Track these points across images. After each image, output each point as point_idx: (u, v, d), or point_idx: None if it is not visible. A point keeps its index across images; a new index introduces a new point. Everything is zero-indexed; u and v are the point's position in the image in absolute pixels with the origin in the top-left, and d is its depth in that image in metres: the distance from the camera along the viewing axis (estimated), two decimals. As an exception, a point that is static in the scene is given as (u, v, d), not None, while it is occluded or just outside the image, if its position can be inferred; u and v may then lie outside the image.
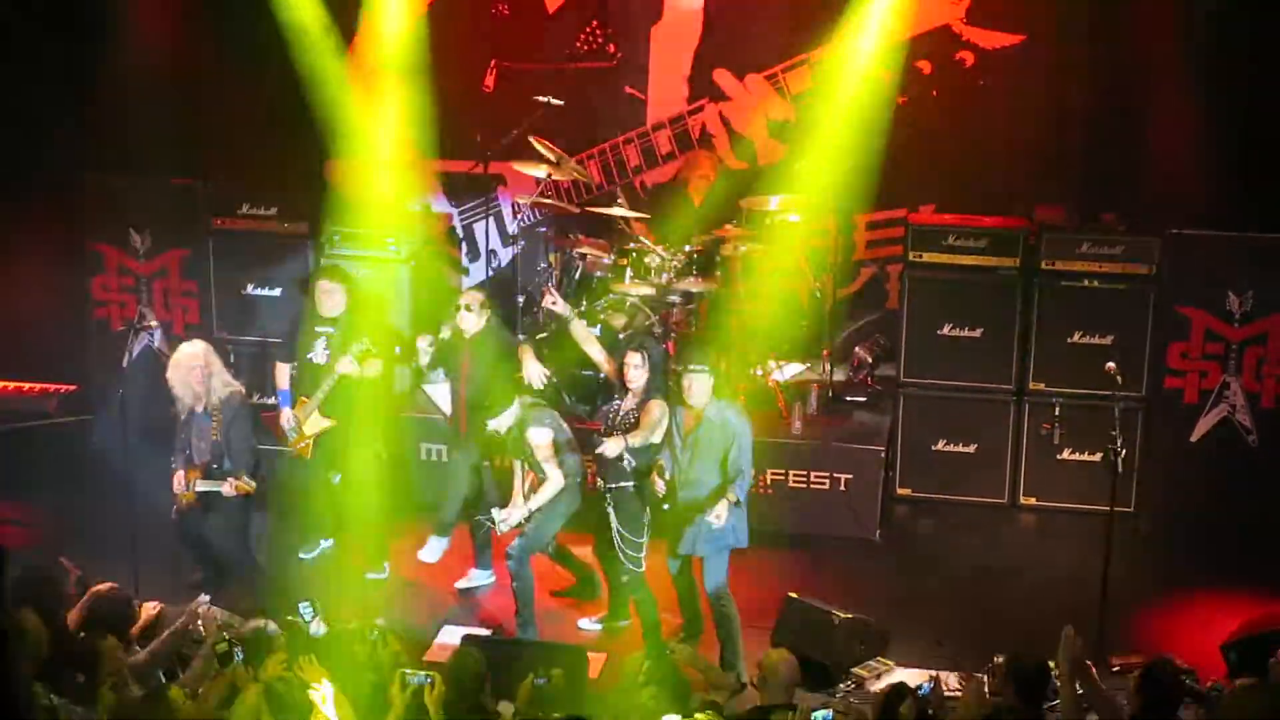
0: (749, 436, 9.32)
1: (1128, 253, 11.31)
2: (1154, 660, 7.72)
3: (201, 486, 9.85)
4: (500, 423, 9.69)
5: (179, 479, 9.93)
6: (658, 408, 9.41)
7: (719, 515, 9.05)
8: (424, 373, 10.71)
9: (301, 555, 10.89)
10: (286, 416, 10.56)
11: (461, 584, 10.51)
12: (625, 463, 9.45)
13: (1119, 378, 9.61)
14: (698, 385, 9.23)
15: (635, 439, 9.30)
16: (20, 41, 12.45)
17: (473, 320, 10.29)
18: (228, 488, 9.77)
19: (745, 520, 9.34)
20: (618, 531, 9.49)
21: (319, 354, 10.56)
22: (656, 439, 9.35)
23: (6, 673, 6.98)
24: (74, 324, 12.53)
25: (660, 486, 9.28)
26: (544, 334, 11.70)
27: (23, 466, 11.38)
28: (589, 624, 10.08)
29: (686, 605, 9.74)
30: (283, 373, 10.66)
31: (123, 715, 7.42)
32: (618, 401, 9.69)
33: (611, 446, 9.29)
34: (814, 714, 7.39)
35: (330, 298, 10.54)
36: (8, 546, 10.36)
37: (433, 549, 10.53)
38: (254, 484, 9.88)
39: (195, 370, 9.84)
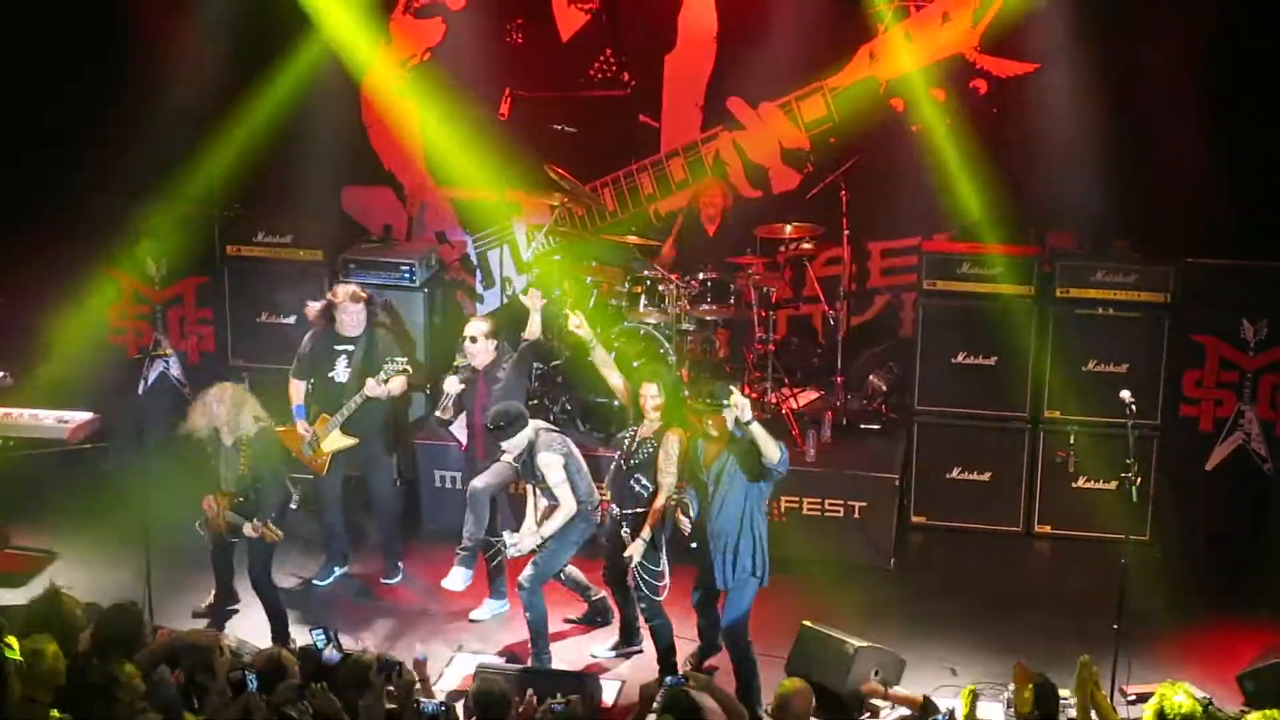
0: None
1: (1142, 280, 11.31)
2: (1167, 686, 7.68)
3: (231, 517, 9.89)
4: (512, 445, 9.69)
5: (209, 503, 9.94)
6: (674, 441, 9.42)
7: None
8: (446, 419, 10.74)
9: (316, 582, 10.90)
10: (302, 428, 10.59)
11: (476, 614, 10.50)
12: (641, 489, 9.47)
13: (1133, 406, 9.59)
14: (719, 421, 9.14)
15: (648, 531, 9.38)
16: (38, 71, 12.50)
17: (481, 351, 10.32)
18: (249, 529, 9.78)
19: (767, 556, 9.25)
20: (638, 560, 9.47)
21: (339, 372, 10.60)
22: (672, 477, 9.39)
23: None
24: (90, 351, 12.55)
25: (685, 525, 9.25)
26: (558, 361, 11.73)
27: (39, 493, 11.40)
28: (603, 650, 10.06)
29: (706, 635, 9.73)
30: (298, 389, 10.69)
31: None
32: (634, 429, 9.70)
33: (636, 553, 9.37)
34: None
35: (351, 317, 10.59)
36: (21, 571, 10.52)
37: (457, 578, 10.46)
38: (280, 535, 9.86)
39: (220, 408, 9.83)
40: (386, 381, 10.38)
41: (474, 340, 10.34)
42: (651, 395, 9.52)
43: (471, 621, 10.46)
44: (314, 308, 10.73)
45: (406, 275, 12.17)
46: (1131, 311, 11.32)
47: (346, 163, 13.12)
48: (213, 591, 10.36)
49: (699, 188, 12.38)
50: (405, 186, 13.21)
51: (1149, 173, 11.70)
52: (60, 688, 7.54)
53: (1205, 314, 11.29)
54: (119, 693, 7.59)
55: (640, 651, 9.97)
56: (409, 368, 10.48)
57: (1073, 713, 8.11)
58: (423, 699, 7.71)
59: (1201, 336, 11.32)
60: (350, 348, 10.62)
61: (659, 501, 9.42)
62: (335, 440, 10.55)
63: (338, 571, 11.00)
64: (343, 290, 10.72)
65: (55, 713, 7.29)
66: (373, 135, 13.13)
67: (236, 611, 10.28)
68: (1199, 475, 11.38)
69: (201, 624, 9.85)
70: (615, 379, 10.03)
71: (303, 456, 10.57)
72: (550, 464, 9.65)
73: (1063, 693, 8.10)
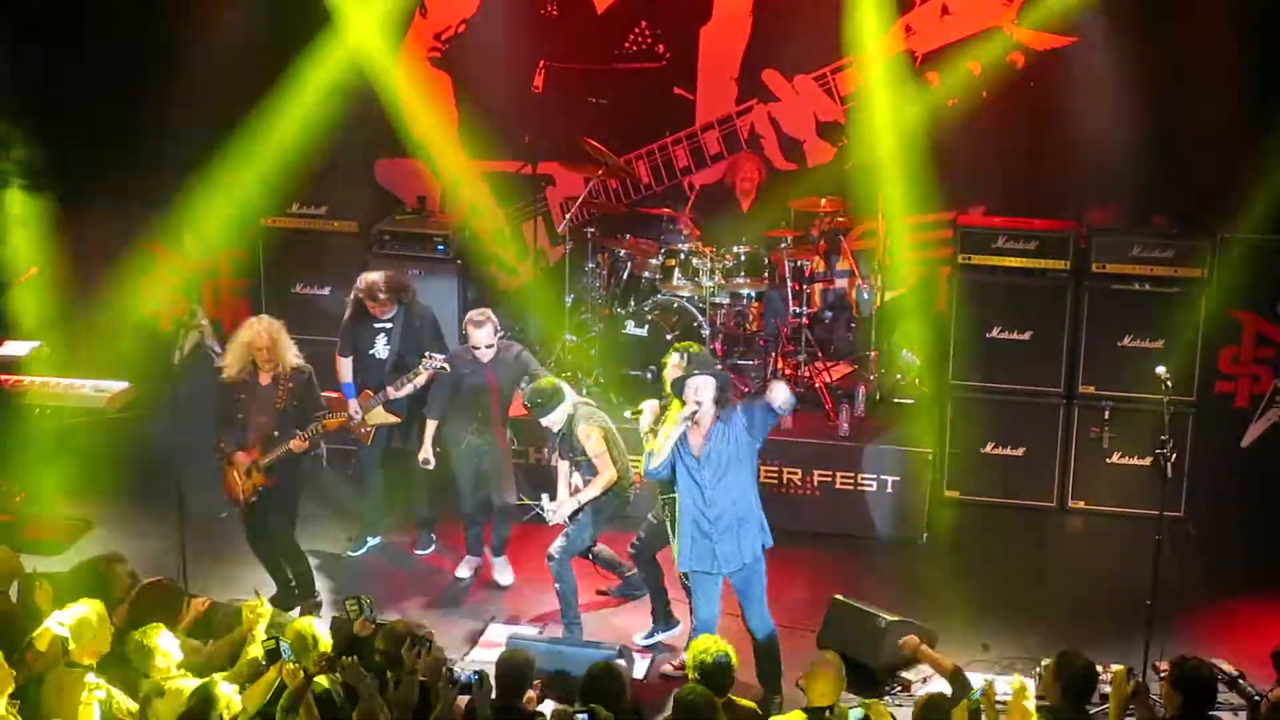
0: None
1: (1179, 256, 11.24)
2: (1182, 658, 7.66)
3: (267, 459, 9.85)
4: (552, 420, 9.71)
5: (239, 458, 9.91)
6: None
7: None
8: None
9: (349, 552, 10.96)
10: (353, 408, 10.63)
11: (459, 572, 10.65)
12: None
13: (1169, 382, 9.55)
14: (704, 394, 8.66)
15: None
16: (76, 44, 12.53)
17: (490, 354, 10.34)
18: (296, 442, 9.80)
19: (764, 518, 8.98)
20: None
21: (379, 349, 10.65)
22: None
23: None
24: (125, 322, 12.62)
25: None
26: (592, 333, 11.74)
27: (75, 463, 11.47)
28: (641, 639, 9.90)
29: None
30: (345, 367, 10.73)
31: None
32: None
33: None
34: (850, 713, 7.35)
35: (383, 308, 10.65)
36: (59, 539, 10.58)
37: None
38: (345, 415, 10.08)
39: (262, 337, 9.82)
40: (412, 380, 10.43)
41: (488, 347, 10.32)
42: (674, 364, 9.26)
43: (457, 579, 10.56)
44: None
45: (440, 247, 12.19)
46: (1168, 287, 11.26)
47: (381, 135, 13.13)
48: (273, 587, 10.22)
49: (733, 162, 12.35)
50: (439, 159, 13.19)
51: (1186, 147, 11.61)
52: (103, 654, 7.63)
53: (1242, 290, 11.22)
54: (156, 661, 7.66)
55: (679, 626, 9.92)
56: (446, 365, 10.47)
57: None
58: (456, 669, 7.72)
59: (1238, 312, 11.27)
60: (389, 325, 10.68)
61: None
62: (379, 415, 10.62)
63: (370, 542, 11.05)
64: (363, 282, 10.75)
65: (89, 681, 7.35)
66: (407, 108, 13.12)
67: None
68: (1234, 452, 11.33)
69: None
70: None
71: (349, 426, 10.61)
72: (590, 435, 9.67)
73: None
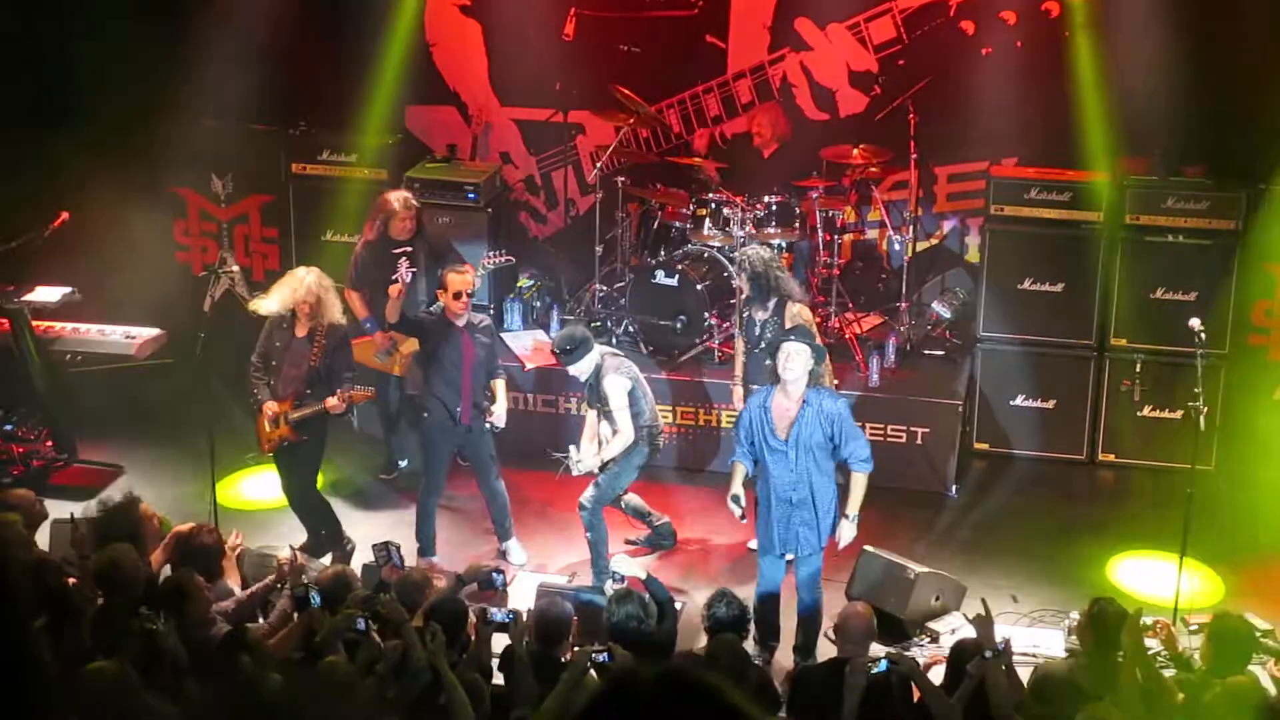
0: (850, 417, 8.79)
1: (1213, 208, 11.16)
2: (1221, 613, 7.67)
3: (297, 415, 9.71)
4: (580, 369, 9.67)
5: (270, 410, 9.75)
6: (796, 305, 9.59)
7: (844, 539, 8.75)
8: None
9: (382, 476, 11.02)
10: (380, 340, 10.58)
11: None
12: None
13: (1202, 334, 9.50)
14: (796, 362, 8.61)
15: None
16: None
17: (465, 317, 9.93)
18: (334, 401, 9.58)
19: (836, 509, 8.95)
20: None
21: (403, 273, 10.41)
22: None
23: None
24: (157, 268, 12.64)
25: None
26: (622, 283, 11.73)
27: (107, 408, 11.51)
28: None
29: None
30: (359, 301, 10.61)
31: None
32: (748, 312, 9.80)
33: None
34: (877, 662, 7.35)
35: (405, 224, 10.59)
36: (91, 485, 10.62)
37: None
38: (372, 390, 9.99)
39: (311, 293, 9.62)
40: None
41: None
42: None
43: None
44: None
45: (470, 195, 12.16)
46: (1202, 239, 11.18)
47: (411, 81, 13.09)
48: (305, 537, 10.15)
49: (752, 113, 12.29)
50: (469, 106, 13.17)
51: (1222, 97, 11.50)
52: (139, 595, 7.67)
53: (1277, 242, 11.13)
54: (189, 606, 7.69)
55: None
56: (509, 258, 10.47)
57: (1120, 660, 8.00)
58: (491, 608, 7.73)
59: (1272, 265, 11.19)
60: (409, 249, 10.56)
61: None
62: (413, 344, 10.42)
63: (402, 465, 11.09)
64: (388, 200, 10.68)
65: (143, 609, 7.38)
66: (436, 54, 13.09)
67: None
68: (1266, 405, 11.27)
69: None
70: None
71: (374, 363, 10.59)
72: (616, 387, 9.59)
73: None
